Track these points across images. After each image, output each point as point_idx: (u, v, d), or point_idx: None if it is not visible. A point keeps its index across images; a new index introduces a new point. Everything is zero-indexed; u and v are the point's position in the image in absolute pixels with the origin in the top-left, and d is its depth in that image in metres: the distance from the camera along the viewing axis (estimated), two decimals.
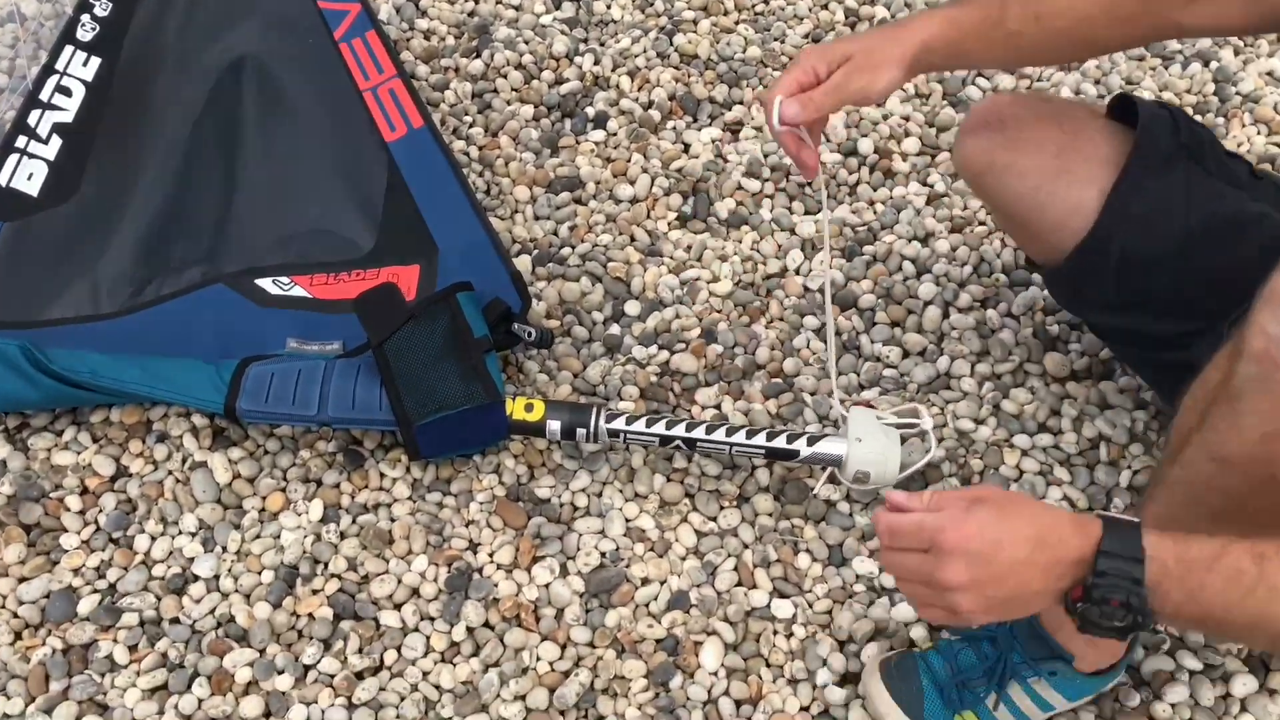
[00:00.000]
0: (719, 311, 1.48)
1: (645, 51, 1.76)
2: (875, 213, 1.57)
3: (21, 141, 1.50)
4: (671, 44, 1.76)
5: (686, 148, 1.66)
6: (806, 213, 1.58)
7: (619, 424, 1.25)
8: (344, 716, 1.15)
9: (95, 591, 1.22)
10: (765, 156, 1.63)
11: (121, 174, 1.48)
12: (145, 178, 1.47)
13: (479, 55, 1.74)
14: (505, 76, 1.72)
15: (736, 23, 1.80)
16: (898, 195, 1.58)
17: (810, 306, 1.47)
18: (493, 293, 1.35)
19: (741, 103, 1.71)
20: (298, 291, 1.38)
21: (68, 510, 1.27)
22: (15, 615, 1.20)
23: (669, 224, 1.57)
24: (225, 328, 1.34)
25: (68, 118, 1.54)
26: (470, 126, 1.67)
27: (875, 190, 1.60)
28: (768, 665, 1.20)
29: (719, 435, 1.24)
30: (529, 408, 1.26)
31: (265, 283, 1.39)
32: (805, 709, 1.16)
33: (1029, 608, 0.77)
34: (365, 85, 1.60)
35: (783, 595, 1.24)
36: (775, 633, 1.22)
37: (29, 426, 1.33)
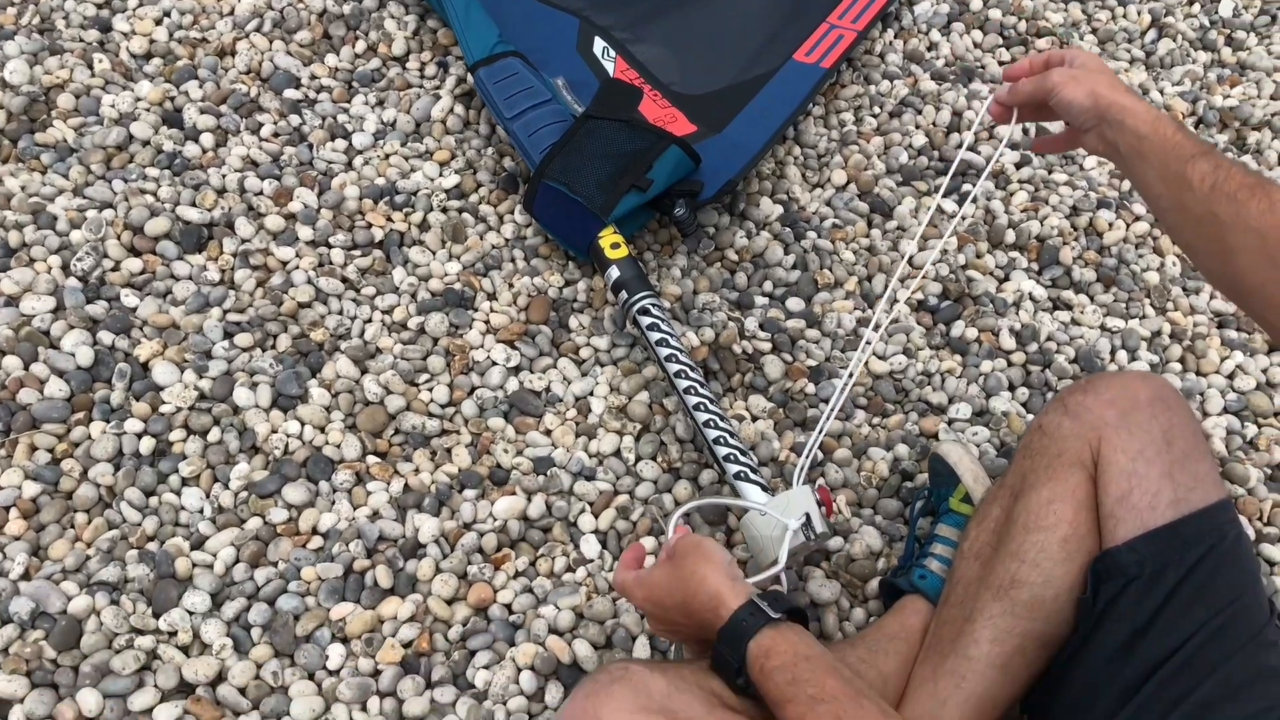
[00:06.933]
0: (876, 378, 1.38)
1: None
2: None
3: None
4: None
5: None
6: None
7: (645, 320, 1.26)
8: (286, 279, 1.33)
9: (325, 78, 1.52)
10: None
11: None
12: None
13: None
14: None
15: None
16: None
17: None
18: (705, 177, 1.41)
19: None
20: (609, 65, 1.54)
21: (349, 47, 1.57)
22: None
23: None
24: (543, 41, 1.54)
25: None
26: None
27: None
28: (532, 564, 1.18)
29: (691, 398, 1.20)
30: (615, 246, 1.31)
31: (600, 43, 1.56)
32: (464, 623, 1.14)
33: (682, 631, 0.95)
34: (833, 19, 1.69)
35: (603, 544, 1.20)
36: (563, 553, 1.18)
37: (422, 12, 1.65)
